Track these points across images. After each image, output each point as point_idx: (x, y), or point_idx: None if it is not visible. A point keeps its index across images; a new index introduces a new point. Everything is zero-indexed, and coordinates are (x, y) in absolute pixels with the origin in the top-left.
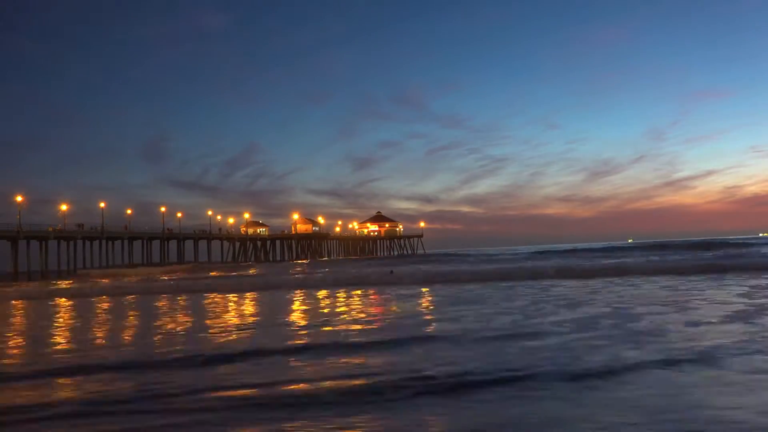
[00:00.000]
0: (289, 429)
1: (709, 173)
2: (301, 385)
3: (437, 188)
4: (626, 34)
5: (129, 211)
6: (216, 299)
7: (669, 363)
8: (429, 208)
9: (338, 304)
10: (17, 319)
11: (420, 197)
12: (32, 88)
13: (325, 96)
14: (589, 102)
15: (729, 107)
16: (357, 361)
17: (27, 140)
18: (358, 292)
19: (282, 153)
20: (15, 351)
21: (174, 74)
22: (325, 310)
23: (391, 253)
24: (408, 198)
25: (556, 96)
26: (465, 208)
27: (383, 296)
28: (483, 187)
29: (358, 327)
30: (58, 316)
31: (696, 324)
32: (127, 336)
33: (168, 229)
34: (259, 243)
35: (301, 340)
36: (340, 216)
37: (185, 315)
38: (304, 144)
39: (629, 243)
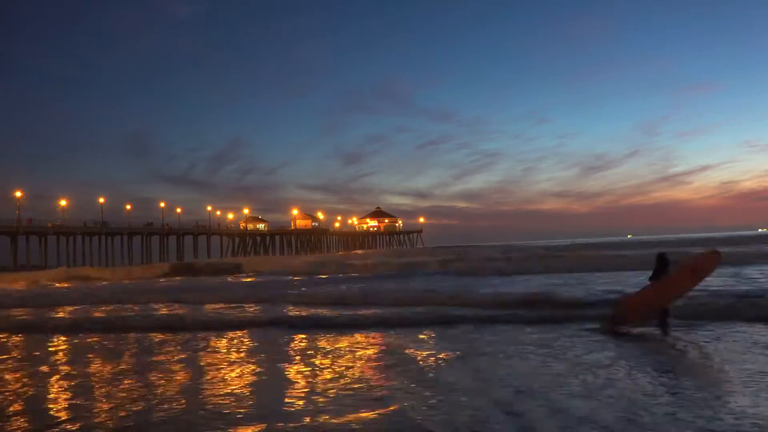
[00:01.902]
0: None
1: (704, 168)
2: None
3: (430, 183)
4: (616, 26)
5: (128, 207)
6: None
7: None
8: (424, 203)
9: None
10: None
11: (414, 192)
12: (7, 82)
13: (308, 89)
14: (578, 96)
15: (720, 101)
16: None
17: (10, 136)
18: None
19: (268, 147)
20: None
21: (150, 66)
22: None
23: (391, 248)
24: (402, 193)
25: (545, 89)
26: (460, 204)
27: None
28: (476, 182)
29: None
30: None
31: None
32: None
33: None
34: (258, 239)
35: None
36: (336, 211)
37: None
38: (290, 138)
39: (629, 239)
